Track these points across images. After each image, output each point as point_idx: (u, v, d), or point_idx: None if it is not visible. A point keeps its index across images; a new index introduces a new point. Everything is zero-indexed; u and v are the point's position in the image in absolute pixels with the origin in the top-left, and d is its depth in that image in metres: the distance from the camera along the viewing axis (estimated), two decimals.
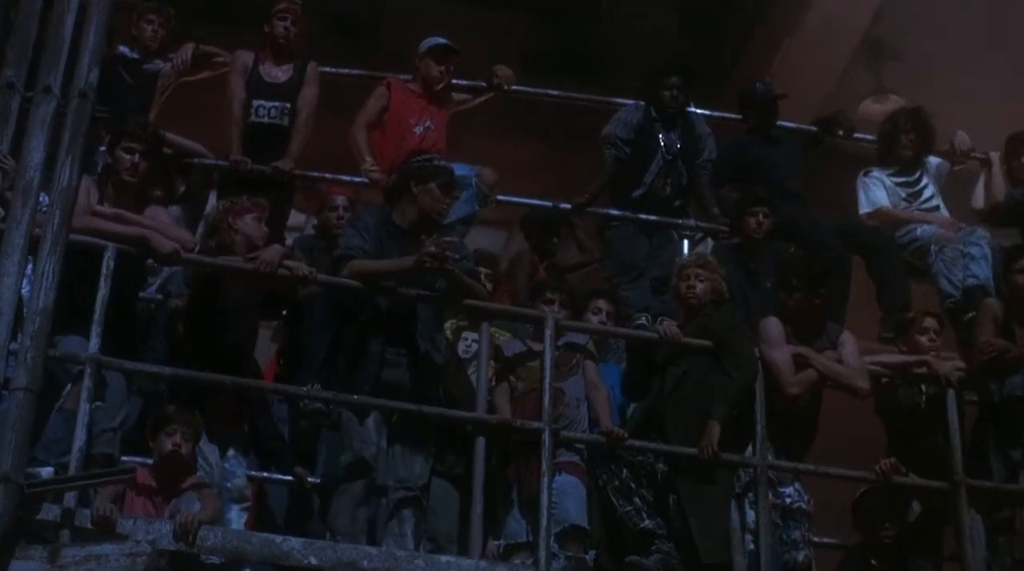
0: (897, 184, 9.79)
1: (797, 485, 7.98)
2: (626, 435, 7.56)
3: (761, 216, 8.99)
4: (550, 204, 9.63)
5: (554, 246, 9.64)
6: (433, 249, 7.30)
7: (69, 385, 7.06)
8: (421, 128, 9.33)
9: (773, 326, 8.23)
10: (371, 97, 9.43)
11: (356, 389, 7.36)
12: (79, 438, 6.72)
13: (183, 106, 9.48)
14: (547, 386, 7.42)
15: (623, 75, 11.76)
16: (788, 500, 7.87)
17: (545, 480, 7.20)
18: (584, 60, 12.88)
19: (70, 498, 6.54)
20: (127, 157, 7.91)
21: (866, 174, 9.82)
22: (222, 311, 7.51)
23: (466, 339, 8.42)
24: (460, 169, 8.97)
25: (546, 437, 7.30)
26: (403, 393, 7.44)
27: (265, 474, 7.58)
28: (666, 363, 7.92)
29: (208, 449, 7.49)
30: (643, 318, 9.04)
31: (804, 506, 7.91)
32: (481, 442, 7.31)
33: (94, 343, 6.97)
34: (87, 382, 6.86)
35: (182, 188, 9.22)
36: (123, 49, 9.30)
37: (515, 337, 8.25)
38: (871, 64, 12.57)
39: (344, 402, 7.31)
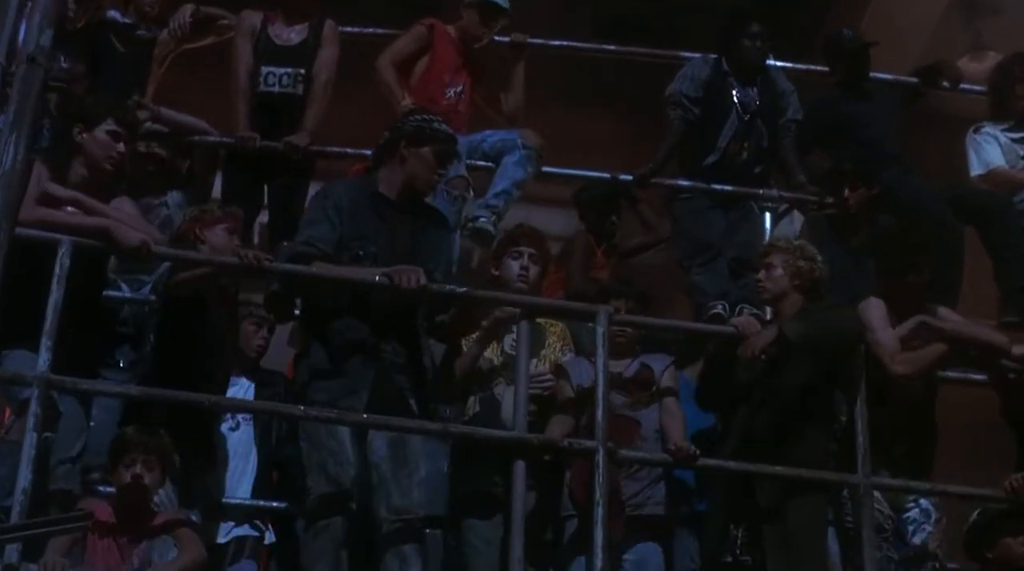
0: (1013, 141, 8.52)
1: (925, 505, 6.62)
2: (697, 452, 6.23)
3: (858, 184, 7.62)
4: (607, 175, 8.29)
5: (613, 226, 8.34)
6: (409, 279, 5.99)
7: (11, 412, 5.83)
8: (453, 92, 8.09)
9: (875, 308, 6.87)
10: (405, 34, 8.21)
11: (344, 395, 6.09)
12: (23, 476, 5.49)
13: (184, 78, 8.27)
14: (601, 395, 6.12)
15: (700, 41, 10.44)
16: (911, 529, 6.52)
17: (599, 511, 5.91)
18: (660, 24, 11.51)
19: (12, 551, 5.33)
20: (111, 142, 6.72)
21: (976, 131, 8.56)
22: (203, 340, 6.37)
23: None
24: (496, 134, 8.06)
25: (600, 459, 6.00)
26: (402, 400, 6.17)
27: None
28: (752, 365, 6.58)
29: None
30: (719, 307, 7.76)
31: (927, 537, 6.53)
32: (520, 467, 6.01)
33: (44, 359, 5.74)
34: (34, 406, 5.61)
35: (184, 169, 8.06)
36: (114, 13, 8.14)
37: (577, 349, 6.99)
38: (968, 19, 11.24)
39: (350, 422, 6.01)
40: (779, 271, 6.75)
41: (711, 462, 6.28)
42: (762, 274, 6.82)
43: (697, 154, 8.26)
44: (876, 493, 6.42)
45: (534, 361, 6.57)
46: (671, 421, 6.51)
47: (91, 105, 7.06)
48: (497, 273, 6.83)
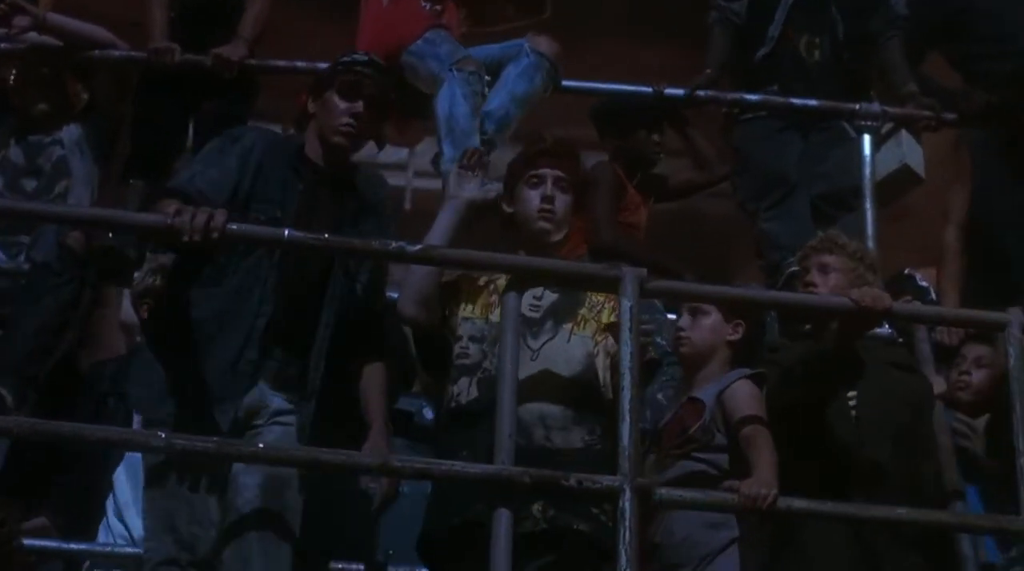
0: None
1: None
2: (774, 495, 4.09)
3: None
4: (649, 89, 6.17)
5: (652, 148, 6.20)
6: None
7: None
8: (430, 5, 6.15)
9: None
10: None
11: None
12: None
13: None
14: (628, 408, 4.00)
15: None
16: None
17: (623, 560, 3.83)
18: None
19: None
20: None
21: None
22: None
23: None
24: (499, 45, 6.12)
25: (626, 503, 3.90)
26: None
27: None
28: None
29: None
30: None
31: None
32: (504, 521, 3.92)
33: None
34: None
35: (84, 99, 6.24)
36: None
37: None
38: None
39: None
40: (838, 278, 4.79)
41: (796, 504, 4.12)
42: (815, 276, 4.82)
43: (747, 52, 6.25)
44: None
45: (568, 327, 4.48)
46: (754, 451, 4.36)
47: None
48: (510, 209, 4.72)
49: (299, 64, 6.06)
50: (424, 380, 5.58)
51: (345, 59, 4.67)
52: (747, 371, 4.55)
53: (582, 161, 4.92)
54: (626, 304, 4.16)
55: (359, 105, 4.56)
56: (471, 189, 4.59)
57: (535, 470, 4.00)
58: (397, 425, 5.43)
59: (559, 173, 4.68)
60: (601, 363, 4.43)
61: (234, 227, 4.06)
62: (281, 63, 6.13)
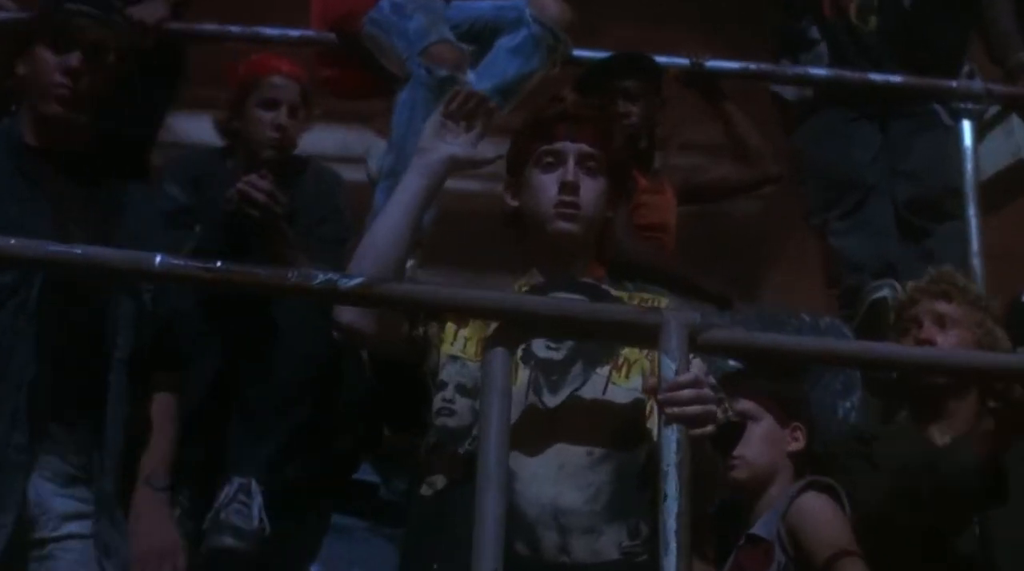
0: None
1: None
2: None
3: None
4: (687, 61, 4.78)
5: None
6: None
7: None
8: None
9: None
10: None
11: None
12: None
13: None
14: (674, 526, 2.62)
15: None
16: None
17: None
18: None
19: None
20: None
21: None
22: None
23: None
24: (496, 6, 4.72)
25: None
26: None
27: None
28: None
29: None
30: (885, 289, 4.40)
31: None
32: None
33: None
34: None
35: None
36: None
37: None
38: None
39: None
40: (961, 333, 3.63)
41: None
42: (930, 329, 3.59)
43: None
44: None
45: (604, 373, 3.05)
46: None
47: None
48: (515, 202, 3.25)
49: (232, 29, 4.73)
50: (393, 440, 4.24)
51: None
52: (809, 479, 3.34)
53: (618, 131, 3.42)
54: (669, 365, 2.78)
55: (74, 57, 3.42)
56: (455, 145, 3.12)
57: None
58: (355, 502, 4.25)
59: (586, 147, 3.15)
60: (656, 425, 2.89)
61: None
62: (210, 26, 4.76)
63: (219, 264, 2.75)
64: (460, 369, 3.04)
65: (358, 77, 4.75)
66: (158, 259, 2.76)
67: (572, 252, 3.13)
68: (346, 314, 3.01)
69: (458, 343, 3.07)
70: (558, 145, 3.15)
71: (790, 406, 3.49)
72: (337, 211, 4.15)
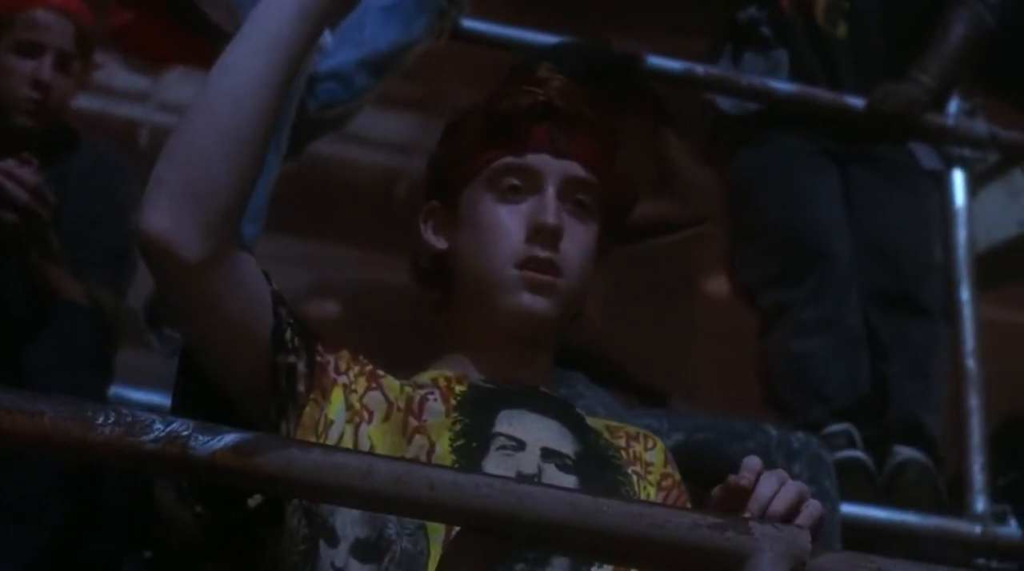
0: None
1: None
2: None
3: None
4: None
5: None
6: None
7: None
8: None
9: None
10: None
11: None
12: None
13: None
14: None
15: None
16: None
17: None
18: None
19: None
20: None
21: None
22: None
23: None
24: None
25: None
26: None
27: None
28: None
29: None
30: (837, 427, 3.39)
31: None
32: None
33: None
34: None
35: None
36: None
37: None
38: None
39: None
40: None
41: None
42: None
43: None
44: None
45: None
46: None
47: None
48: (443, 245, 1.93)
49: None
50: None
51: None
52: None
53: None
54: None
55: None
56: None
57: None
58: None
59: (577, 168, 1.89)
60: None
61: None
62: None
63: None
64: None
65: (163, 26, 3.79)
66: None
67: (534, 342, 1.88)
68: (156, 215, 1.70)
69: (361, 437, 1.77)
70: (531, 159, 1.87)
71: None
72: (118, 210, 3.30)
